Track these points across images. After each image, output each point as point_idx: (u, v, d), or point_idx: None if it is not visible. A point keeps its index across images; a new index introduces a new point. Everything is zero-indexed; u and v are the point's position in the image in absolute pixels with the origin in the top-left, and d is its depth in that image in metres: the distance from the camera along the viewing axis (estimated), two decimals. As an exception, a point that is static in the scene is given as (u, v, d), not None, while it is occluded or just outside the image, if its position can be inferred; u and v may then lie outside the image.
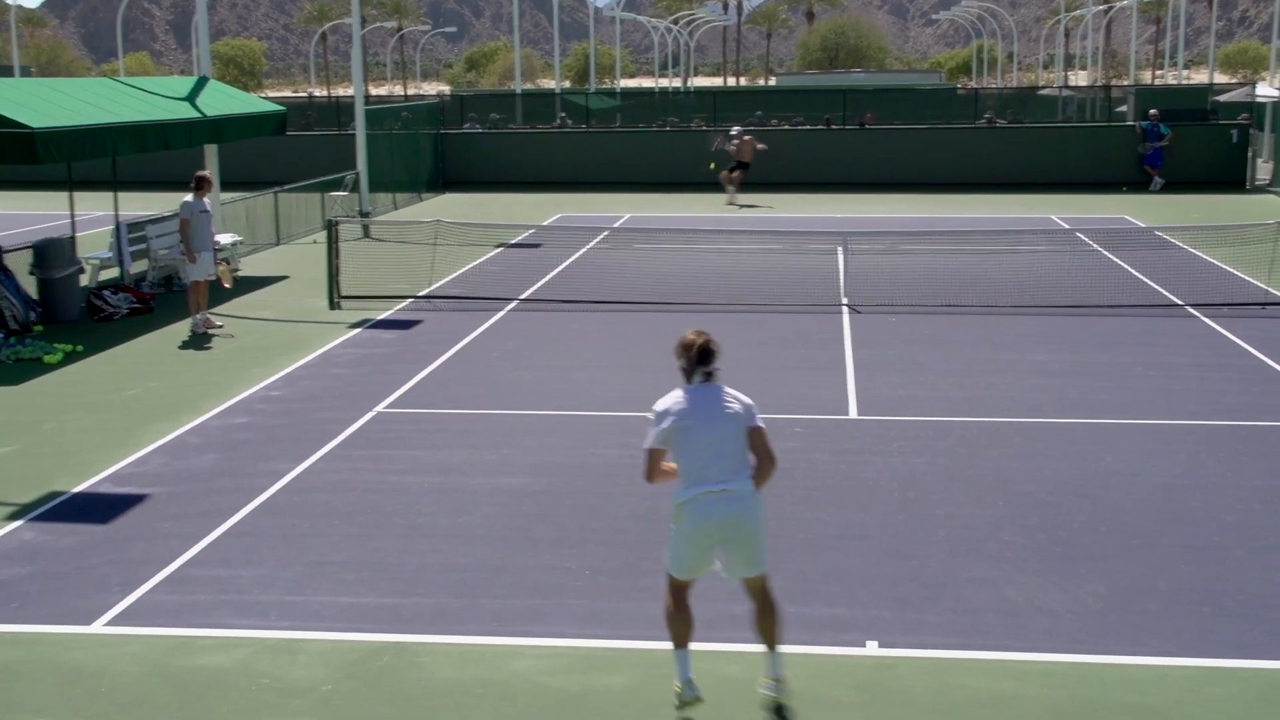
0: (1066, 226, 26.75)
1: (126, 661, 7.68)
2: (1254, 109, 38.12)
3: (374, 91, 79.62)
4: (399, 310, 18.56)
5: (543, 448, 11.81)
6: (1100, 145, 36.35)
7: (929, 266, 21.43)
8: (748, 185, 32.74)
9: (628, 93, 65.92)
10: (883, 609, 8.34)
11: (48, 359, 15.57)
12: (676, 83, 79.07)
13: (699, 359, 6.89)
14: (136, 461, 11.54)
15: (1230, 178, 35.03)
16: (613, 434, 12.24)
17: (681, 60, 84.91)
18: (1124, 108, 42.40)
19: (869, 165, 36.26)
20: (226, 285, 18.20)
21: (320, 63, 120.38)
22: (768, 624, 7.06)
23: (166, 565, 9.08)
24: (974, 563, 9.01)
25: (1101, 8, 69.73)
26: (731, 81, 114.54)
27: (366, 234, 25.69)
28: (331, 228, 19.37)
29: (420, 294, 19.44)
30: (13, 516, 10.14)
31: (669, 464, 6.96)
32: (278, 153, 33.57)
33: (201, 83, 22.36)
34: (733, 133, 33.48)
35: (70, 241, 19.02)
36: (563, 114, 47.73)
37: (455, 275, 21.33)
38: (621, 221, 28.82)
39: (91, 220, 26.17)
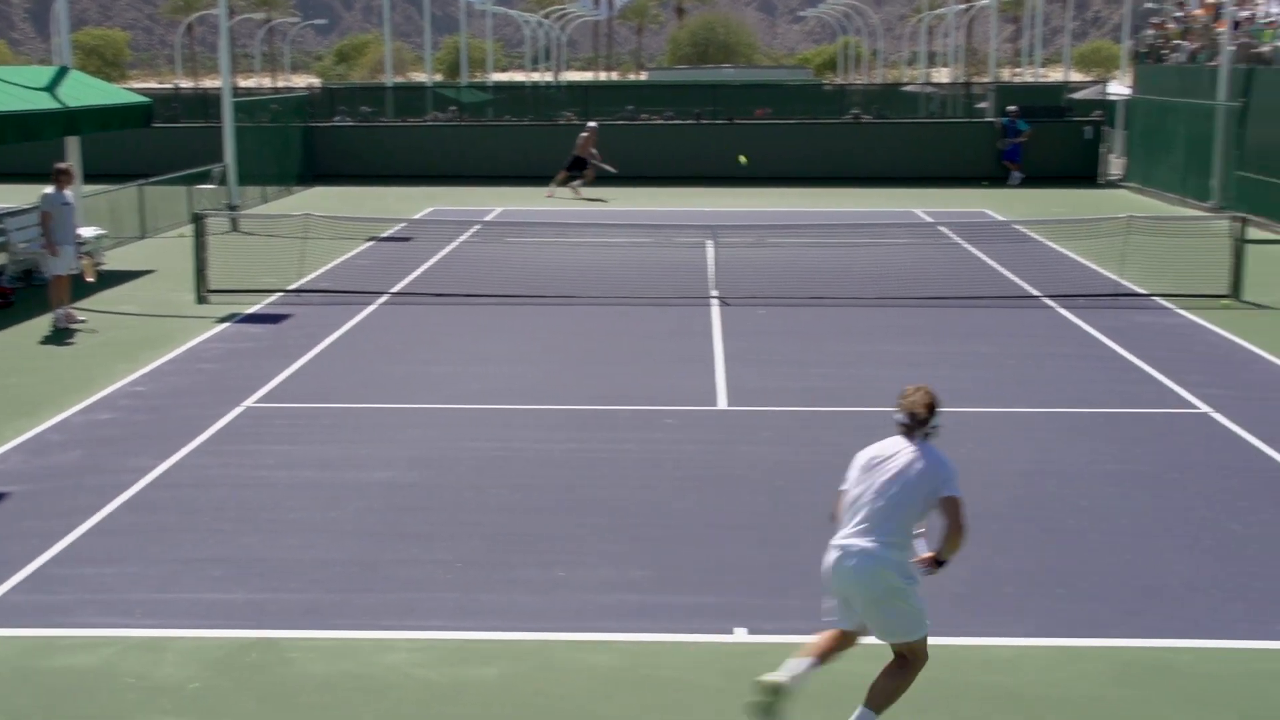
0: (929, 220, 27.33)
1: (-14, 663, 7.52)
2: (1106, 106, 39.39)
3: (242, 84, 77.88)
4: (268, 304, 18.32)
5: (414, 441, 11.79)
6: (961, 141, 37.19)
7: (796, 259, 21.75)
8: (617, 179, 32.71)
9: (500, 86, 65.55)
10: (751, 596, 8.51)
11: (-101, 356, 15.12)
12: (548, 77, 78.81)
13: (905, 415, 6.64)
14: (-5, 460, 11.27)
15: (1084, 173, 36.12)
16: (485, 427, 12.26)
17: (553, 54, 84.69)
18: (984, 104, 43.37)
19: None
20: (90, 279, 17.82)
21: (187, 54, 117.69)
22: (882, 679, 6.61)
23: (27, 565, 8.90)
24: (839, 549, 9.20)
25: (963, 6, 71.04)
26: (603, 76, 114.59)
27: (235, 227, 25.28)
28: (199, 221, 19.05)
29: (290, 288, 19.20)
30: None
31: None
32: (143, 145, 32.83)
33: (62, 73, 21.80)
34: (592, 125, 33.55)
35: (-77, 235, 18.47)
36: (453, 107, 47.25)
37: (325, 269, 21.10)
38: (493, 215, 28.73)
39: (-56, 213, 25.35)
